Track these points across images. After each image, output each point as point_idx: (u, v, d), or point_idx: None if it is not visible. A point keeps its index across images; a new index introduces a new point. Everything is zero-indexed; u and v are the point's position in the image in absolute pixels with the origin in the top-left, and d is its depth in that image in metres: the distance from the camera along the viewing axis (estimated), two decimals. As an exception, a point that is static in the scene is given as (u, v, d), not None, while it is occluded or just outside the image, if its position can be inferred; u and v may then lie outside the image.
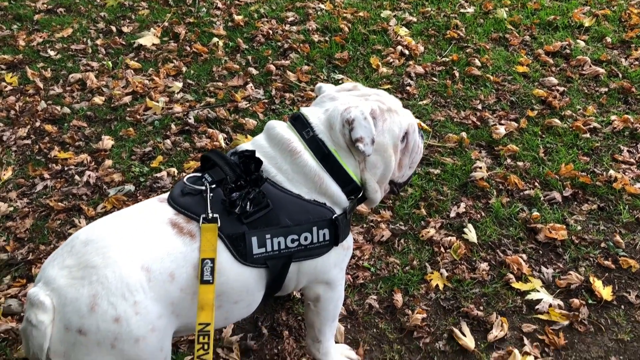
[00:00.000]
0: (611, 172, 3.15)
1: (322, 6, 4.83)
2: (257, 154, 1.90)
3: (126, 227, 1.74)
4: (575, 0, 4.77)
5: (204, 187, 1.81)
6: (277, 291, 1.98)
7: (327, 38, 4.43)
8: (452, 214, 2.98)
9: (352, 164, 1.92)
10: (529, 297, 2.56)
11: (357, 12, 4.73)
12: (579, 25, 4.47)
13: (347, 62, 4.16)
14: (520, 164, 3.25)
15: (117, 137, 3.63)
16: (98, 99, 3.96)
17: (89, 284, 1.60)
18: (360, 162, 1.93)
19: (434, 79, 3.99)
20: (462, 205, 3.02)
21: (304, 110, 1.98)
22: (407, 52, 4.25)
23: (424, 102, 3.77)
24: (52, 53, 4.58)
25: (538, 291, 2.58)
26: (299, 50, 4.35)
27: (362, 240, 2.88)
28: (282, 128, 1.94)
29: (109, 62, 4.39)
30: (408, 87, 3.88)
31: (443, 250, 2.80)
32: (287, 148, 1.88)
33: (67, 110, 3.87)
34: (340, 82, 3.97)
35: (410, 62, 4.14)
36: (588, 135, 3.43)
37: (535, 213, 2.95)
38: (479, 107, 3.70)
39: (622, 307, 2.52)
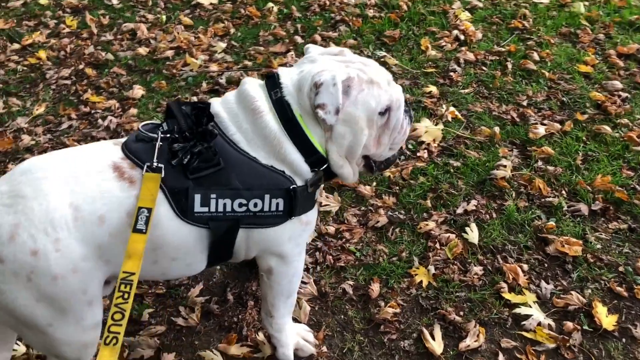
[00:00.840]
0: (655, 191, 2.78)
1: (387, -18, 4.62)
2: (222, 110, 1.81)
3: (69, 162, 1.71)
4: (669, 2, 4.25)
5: (156, 135, 1.75)
6: (226, 257, 1.88)
7: (382, 14, 4.23)
8: (459, 210, 2.75)
9: (318, 133, 1.78)
10: (517, 310, 2.32)
11: (422, -8, 4.49)
12: (665, 29, 3.99)
13: (396, 40, 3.96)
14: (551, 168, 2.95)
15: (149, 88, 3.67)
16: (142, 50, 4.03)
17: (14, 212, 1.58)
18: (326, 132, 1.78)
19: (484, 68, 3.71)
20: (473, 202, 2.78)
21: (280, 69, 1.86)
22: (462, 37, 3.97)
23: (466, 90, 3.51)
24: (114, 2, 4.71)
25: (530, 306, 2.33)
26: (350, 23, 4.19)
27: (355, 223, 2.72)
28: (252, 85, 1.82)
29: (164, 16, 4.45)
30: (452, 73, 3.63)
31: (438, 247, 2.59)
32: (251, 106, 1.77)
33: (111, 57, 3.96)
34: (382, 59, 3.79)
35: (463, 48, 3.87)
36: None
37: (551, 223, 2.66)
38: (524, 103, 3.39)
39: (623, 340, 2.22)
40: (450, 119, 3.29)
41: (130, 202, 1.65)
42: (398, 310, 2.34)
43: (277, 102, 1.77)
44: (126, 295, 1.59)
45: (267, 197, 1.74)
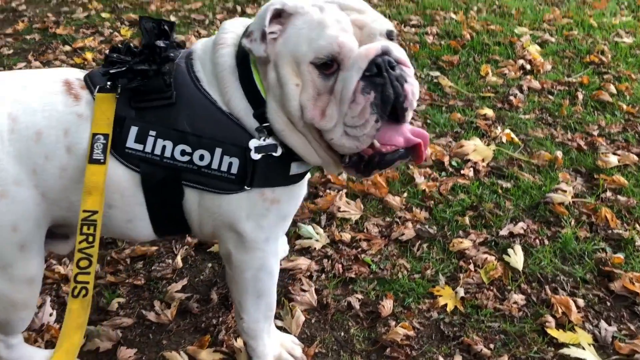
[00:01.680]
0: None
1: (452, 15, 4.35)
2: (200, 46, 1.50)
3: (24, 75, 1.49)
4: None
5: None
6: (176, 224, 1.53)
7: (442, 42, 3.93)
8: (503, 232, 2.28)
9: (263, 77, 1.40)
10: (566, 351, 1.80)
11: (489, 25, 4.17)
12: None
13: (454, 65, 3.62)
14: (622, 199, 2.44)
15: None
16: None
17: None
18: (264, 79, 1.39)
19: (550, 96, 3.28)
20: (521, 225, 2.31)
21: None
22: (528, 66, 3.59)
23: (526, 116, 3.08)
24: (173, 18, 4.69)
25: (583, 348, 1.80)
26: (406, 47, 3.91)
27: (376, 233, 2.31)
28: (235, 20, 1.52)
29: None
30: (512, 98, 3.23)
31: (471, 268, 2.13)
32: (217, 39, 1.45)
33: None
34: (436, 79, 3.45)
35: (528, 77, 3.47)
36: None
37: (619, 256, 2.14)
38: (595, 132, 2.92)
39: None
40: (504, 140, 2.87)
41: (69, 120, 1.39)
42: (412, 333, 1.88)
43: (244, 33, 1.41)
44: (90, 238, 1.35)
45: (218, 151, 1.39)
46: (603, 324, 1.90)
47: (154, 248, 2.28)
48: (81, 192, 1.38)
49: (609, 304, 2.00)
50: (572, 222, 2.33)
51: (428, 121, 3.04)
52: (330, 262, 2.18)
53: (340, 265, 2.16)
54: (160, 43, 1.41)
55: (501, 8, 4.50)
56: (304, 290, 2.06)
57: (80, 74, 1.49)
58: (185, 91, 1.42)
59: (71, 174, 1.39)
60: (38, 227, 1.43)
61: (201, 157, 1.39)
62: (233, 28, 1.47)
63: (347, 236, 2.28)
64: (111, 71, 1.39)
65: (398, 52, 1.35)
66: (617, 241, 2.25)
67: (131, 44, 1.47)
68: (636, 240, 2.23)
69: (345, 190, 2.51)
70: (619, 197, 2.45)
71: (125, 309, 2.05)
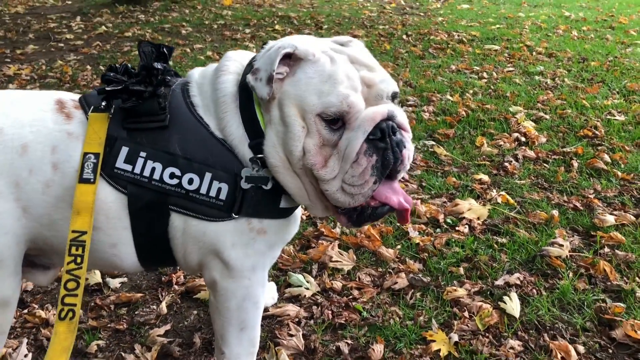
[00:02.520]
0: None
1: (449, 97, 4.49)
2: (197, 72, 1.55)
3: (15, 94, 1.51)
4: None
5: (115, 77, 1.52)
6: (161, 253, 1.47)
7: (438, 118, 4.04)
8: (499, 282, 2.22)
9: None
10: (566, 397, 1.68)
11: (484, 104, 4.29)
12: None
13: (450, 137, 3.69)
14: (621, 253, 2.39)
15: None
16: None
17: None
18: (266, 113, 1.40)
19: (545, 164, 3.31)
20: (517, 275, 2.25)
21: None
22: (523, 139, 3.65)
23: (522, 181, 3.09)
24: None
25: (584, 394, 1.69)
26: (403, 122, 3.99)
27: (368, 282, 2.25)
28: (240, 52, 1.57)
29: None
30: (507, 164, 3.25)
31: (466, 315, 2.05)
32: (219, 66, 1.50)
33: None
34: (431, 148, 3.50)
35: (523, 147, 3.52)
36: None
37: (620, 305, 2.06)
38: (591, 195, 2.91)
39: None
40: (500, 201, 2.86)
41: (58, 137, 1.39)
42: (402, 377, 1.78)
43: (248, 65, 1.46)
44: (79, 260, 1.33)
45: (207, 176, 1.38)
46: (606, 370, 1.80)
47: (139, 295, 2.22)
48: (64, 210, 1.37)
49: (611, 351, 1.90)
50: (570, 275, 2.27)
51: (423, 184, 3.05)
52: (319, 308, 2.11)
53: (330, 312, 2.08)
54: (158, 65, 1.44)
55: (496, 91, 4.65)
56: (291, 335, 1.97)
57: (75, 95, 1.53)
58: (178, 115, 1.43)
59: (56, 190, 1.38)
60: (16, 244, 1.40)
61: (190, 181, 1.38)
62: (237, 57, 1.52)
63: (338, 284, 2.22)
64: (107, 88, 1.41)
65: (401, 117, 1.41)
66: (617, 292, 2.17)
67: (129, 65, 1.51)
68: (637, 292, 2.15)
69: (338, 242, 2.47)
70: (617, 252, 2.40)
71: (105, 351, 1.97)
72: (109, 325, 2.07)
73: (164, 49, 1.51)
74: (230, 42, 6.59)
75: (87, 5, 9.46)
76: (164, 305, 2.15)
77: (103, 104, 1.43)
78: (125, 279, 2.30)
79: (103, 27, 7.39)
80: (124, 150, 1.38)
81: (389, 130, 1.35)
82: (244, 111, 1.42)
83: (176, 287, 2.26)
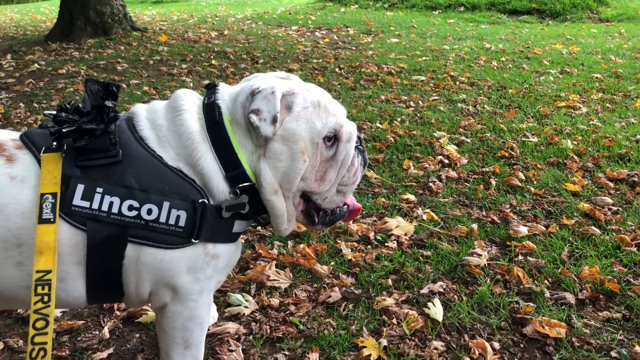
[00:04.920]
0: (652, 284, 2.42)
1: (378, 125, 4.75)
2: (143, 108, 1.67)
3: None
4: (660, 144, 4.20)
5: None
6: (112, 287, 1.52)
7: (368, 144, 4.27)
8: (424, 290, 2.41)
9: (247, 147, 1.56)
10: (483, 387, 1.86)
11: (411, 131, 4.57)
12: (657, 162, 3.87)
13: (379, 162, 3.92)
14: (532, 260, 2.63)
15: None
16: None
17: None
18: (259, 148, 1.55)
19: (466, 183, 3.57)
20: (440, 284, 2.44)
21: (224, 84, 1.72)
22: (447, 161, 3.92)
23: (446, 199, 3.33)
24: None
25: (499, 383, 1.88)
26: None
27: (304, 297, 2.38)
28: (186, 91, 1.68)
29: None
30: (432, 185, 3.50)
31: (394, 322, 2.21)
32: (174, 104, 1.61)
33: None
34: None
35: (446, 168, 3.78)
36: (634, 249, 2.73)
37: (530, 305, 2.28)
38: (507, 210, 3.18)
39: None
40: (425, 218, 3.07)
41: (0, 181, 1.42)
42: (336, 380, 1.91)
43: (207, 105, 1.61)
44: (46, 298, 1.36)
45: (166, 205, 1.46)
46: (517, 362, 1.99)
47: (81, 322, 2.27)
48: (7, 250, 1.40)
49: (522, 346, 2.10)
50: (488, 281, 2.49)
51: (355, 205, 3.24)
52: (258, 324, 2.22)
53: (268, 327, 2.20)
54: (109, 103, 1.51)
55: (422, 119, 4.95)
56: (231, 350, 2.08)
57: (14, 134, 1.55)
58: (130, 149, 1.50)
59: None
60: None
61: (149, 211, 1.45)
62: (188, 96, 1.64)
63: (275, 301, 2.35)
64: (63, 130, 1.46)
65: None
66: (528, 294, 2.40)
67: (79, 104, 1.54)
68: (545, 293, 2.39)
69: (275, 262, 2.60)
70: (529, 258, 2.64)
71: (47, 378, 1.99)
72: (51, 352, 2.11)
73: (113, 87, 1.58)
74: (167, 77, 6.68)
75: (17, 43, 9.33)
76: (106, 330, 2.21)
77: (54, 144, 1.47)
78: (67, 309, 2.34)
79: (35, 65, 7.33)
80: (80, 188, 1.43)
81: (360, 137, 1.75)
82: (218, 146, 1.54)
83: (118, 312, 2.32)
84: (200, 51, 8.40)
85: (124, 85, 6.21)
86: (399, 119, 4.96)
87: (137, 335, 2.21)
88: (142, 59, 7.79)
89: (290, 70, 7.01)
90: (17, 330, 2.23)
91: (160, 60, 7.71)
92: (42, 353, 1.34)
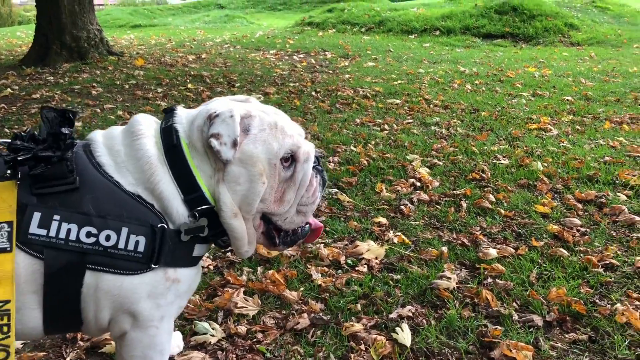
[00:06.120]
0: (618, 305, 2.43)
1: (353, 148, 4.77)
2: (100, 134, 1.66)
3: None
4: (626, 166, 4.28)
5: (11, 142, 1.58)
6: (70, 318, 1.49)
7: (342, 168, 4.28)
8: (393, 315, 2.39)
9: (205, 170, 1.56)
10: (449, 413, 1.85)
11: (384, 154, 4.60)
12: (623, 183, 3.94)
13: (352, 185, 3.93)
14: (501, 282, 2.64)
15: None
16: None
17: None
18: (218, 171, 1.56)
19: (437, 206, 3.59)
20: (409, 308, 2.43)
21: (181, 108, 1.73)
22: (418, 184, 3.94)
23: (417, 222, 3.35)
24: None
25: (465, 409, 1.86)
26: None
27: (272, 324, 2.36)
28: (143, 116, 1.68)
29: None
30: (404, 207, 3.51)
31: (362, 348, 2.19)
32: (131, 129, 1.61)
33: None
34: (335, 195, 3.71)
35: (418, 191, 3.80)
36: (601, 270, 2.76)
37: (498, 329, 2.28)
38: (477, 232, 3.19)
39: None
40: (396, 242, 3.08)
41: None
42: (302, 409, 1.88)
43: (165, 130, 1.61)
44: (5, 329, 1.34)
45: (124, 230, 1.45)
46: (484, 386, 1.99)
47: (42, 354, 2.21)
48: None
49: (490, 369, 2.10)
50: (457, 304, 2.48)
51: (327, 229, 3.23)
52: (224, 353, 2.19)
53: (234, 356, 2.17)
54: (65, 130, 1.50)
55: (396, 141, 4.99)
56: (196, 380, 2.04)
57: None
58: (87, 176, 1.49)
59: None
60: None
61: (107, 238, 1.43)
62: (145, 121, 1.64)
63: (243, 329, 2.32)
64: (19, 158, 1.43)
65: None
66: (497, 317, 2.40)
67: (35, 132, 1.52)
68: (513, 315, 2.39)
69: (243, 289, 2.58)
70: (498, 281, 2.65)
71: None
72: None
73: (69, 114, 1.57)
74: (142, 102, 6.66)
75: (-9, 68, 9.25)
76: (68, 361, 2.16)
77: (8, 172, 1.44)
78: (27, 340, 2.29)
79: (9, 90, 7.25)
80: (37, 216, 1.41)
81: (318, 157, 1.76)
82: (176, 169, 1.54)
83: (81, 343, 2.27)
84: (176, 75, 8.41)
85: (98, 110, 6.18)
86: (373, 142, 4.99)
87: (99, 365, 2.16)
88: (118, 83, 7.76)
89: (267, 94, 7.04)
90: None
91: (136, 84, 7.69)
92: None
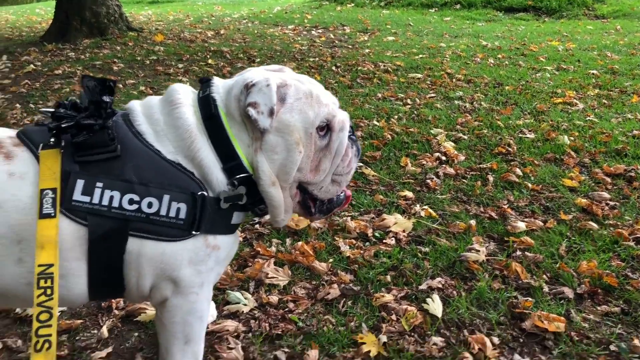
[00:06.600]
0: (651, 278, 2.42)
1: (376, 123, 4.75)
2: (138, 104, 1.67)
3: None
4: (656, 139, 4.21)
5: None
6: (113, 282, 1.52)
7: (366, 142, 4.27)
8: (423, 287, 2.41)
9: (243, 139, 1.58)
10: (482, 382, 1.87)
11: (408, 128, 4.57)
12: (654, 156, 3.88)
13: (376, 159, 3.92)
14: (530, 255, 2.63)
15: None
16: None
17: None
18: (256, 140, 1.57)
19: (464, 180, 3.58)
20: (439, 279, 2.44)
21: (217, 78, 1.73)
22: (444, 158, 3.92)
23: (443, 196, 3.34)
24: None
25: (498, 378, 1.88)
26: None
27: (303, 294, 2.38)
28: (180, 85, 1.69)
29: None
30: (430, 181, 3.50)
31: (393, 318, 2.21)
32: (170, 98, 1.62)
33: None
34: (359, 169, 3.71)
35: (444, 165, 3.78)
36: (632, 243, 2.74)
37: (529, 300, 2.28)
38: (505, 206, 3.18)
39: (617, 419, 1.73)
40: (423, 215, 3.08)
41: None
42: (336, 377, 1.91)
43: (203, 99, 1.62)
44: (49, 291, 1.37)
45: (166, 197, 1.47)
46: (517, 356, 2.00)
47: (79, 321, 2.26)
48: (6, 246, 1.40)
49: (521, 340, 2.10)
50: (486, 276, 2.49)
51: (353, 202, 3.24)
52: (257, 322, 2.22)
53: (267, 325, 2.20)
54: (106, 99, 1.52)
55: (419, 116, 4.95)
56: (230, 348, 2.07)
57: (11, 132, 1.55)
58: (128, 144, 1.51)
59: None
60: None
61: (149, 205, 1.46)
62: (183, 90, 1.64)
63: (274, 299, 2.34)
64: (62, 125, 1.46)
65: None
66: (527, 289, 2.40)
67: (77, 100, 1.55)
68: (544, 287, 2.39)
69: (273, 260, 2.60)
70: (527, 253, 2.65)
71: (46, 377, 1.99)
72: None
73: (109, 83, 1.58)
74: (164, 77, 6.67)
75: (13, 45, 9.30)
76: (104, 329, 2.21)
77: (52, 140, 1.47)
78: (65, 308, 2.34)
79: (31, 66, 7.30)
80: (80, 183, 1.44)
81: (353, 127, 1.75)
82: (215, 138, 1.56)
83: (116, 311, 2.32)
84: (196, 51, 8.39)
85: (120, 85, 6.20)
86: (396, 117, 4.96)
87: (136, 333, 2.21)
88: (139, 59, 7.77)
89: (286, 69, 6.99)
90: (15, 330, 2.22)
91: (157, 60, 7.70)
92: (46, 345, 1.34)
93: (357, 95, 5.73)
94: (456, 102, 5.45)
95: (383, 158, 3.96)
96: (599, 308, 2.27)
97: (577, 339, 2.08)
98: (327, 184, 1.70)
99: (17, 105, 5.50)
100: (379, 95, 5.73)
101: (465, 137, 4.38)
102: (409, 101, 5.49)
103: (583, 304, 2.31)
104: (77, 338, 2.18)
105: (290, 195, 1.67)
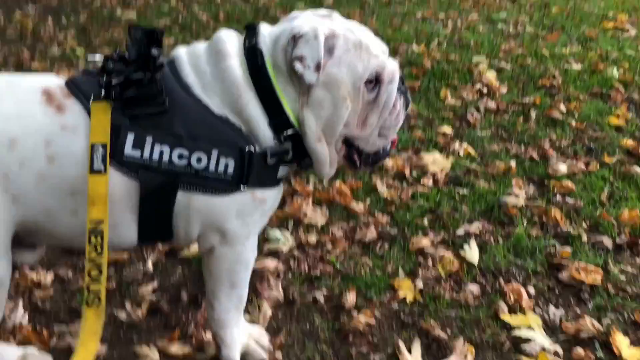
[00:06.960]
0: (695, 229, 2.39)
1: (414, 48, 4.60)
2: (184, 52, 1.62)
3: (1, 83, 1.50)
4: None
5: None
6: (163, 230, 1.56)
7: (405, 70, 4.15)
8: (460, 232, 2.42)
9: (290, 93, 1.53)
10: (517, 333, 1.91)
11: (449, 55, 4.42)
12: None
13: (416, 90, 3.83)
14: (571, 201, 2.60)
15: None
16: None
17: None
18: (302, 95, 1.52)
19: (505, 115, 3.49)
20: (477, 225, 2.45)
21: (264, 24, 1.66)
22: (485, 90, 3.81)
23: (483, 133, 3.27)
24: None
25: (533, 329, 1.92)
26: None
27: (341, 236, 2.42)
28: (226, 32, 1.62)
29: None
30: (470, 117, 3.42)
31: (430, 264, 2.25)
32: (216, 48, 1.55)
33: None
34: (397, 102, 3.63)
35: (485, 98, 3.68)
36: (678, 191, 2.68)
37: (567, 250, 2.28)
38: (546, 146, 3.11)
39: (649, 375, 1.77)
40: (462, 154, 3.04)
41: (51, 130, 1.42)
42: (373, 321, 1.97)
43: (249, 49, 1.55)
44: (99, 248, 1.40)
45: (214, 152, 1.47)
46: (552, 308, 2.03)
47: (125, 255, 2.35)
48: (61, 198, 1.43)
49: (557, 291, 2.13)
50: (525, 222, 2.48)
51: (390, 138, 3.20)
52: (296, 262, 2.28)
53: (306, 265, 2.26)
54: (154, 51, 1.48)
55: (460, 41, 4.77)
56: (271, 288, 2.14)
57: (60, 80, 1.53)
58: (176, 97, 1.48)
59: (51, 182, 1.42)
60: (5, 230, 1.44)
61: (198, 160, 1.46)
62: (230, 39, 1.58)
63: (313, 239, 2.39)
64: (113, 81, 1.44)
65: None
66: (565, 238, 2.40)
67: (125, 53, 1.51)
68: (582, 237, 2.38)
69: (311, 199, 2.63)
70: (568, 199, 2.62)
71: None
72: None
73: (157, 34, 1.53)
74: None
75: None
76: (150, 264, 2.29)
77: (102, 93, 1.45)
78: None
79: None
80: (130, 137, 1.44)
81: (402, 78, 1.64)
82: (261, 92, 1.52)
83: (160, 247, 2.40)
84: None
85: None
86: (435, 41, 4.79)
87: (179, 269, 2.29)
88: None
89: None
90: (66, 261, 2.33)
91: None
92: (97, 301, 1.41)
93: (396, 15, 5.52)
94: (499, 25, 5.22)
95: (422, 89, 3.87)
96: (637, 260, 2.27)
97: (613, 292, 2.10)
98: (374, 137, 1.63)
99: (49, 19, 5.45)
100: (418, 15, 5.52)
101: (508, 66, 4.23)
102: (449, 23, 5.27)
103: (622, 255, 2.30)
104: (123, 273, 2.27)
105: (336, 149, 1.64)
